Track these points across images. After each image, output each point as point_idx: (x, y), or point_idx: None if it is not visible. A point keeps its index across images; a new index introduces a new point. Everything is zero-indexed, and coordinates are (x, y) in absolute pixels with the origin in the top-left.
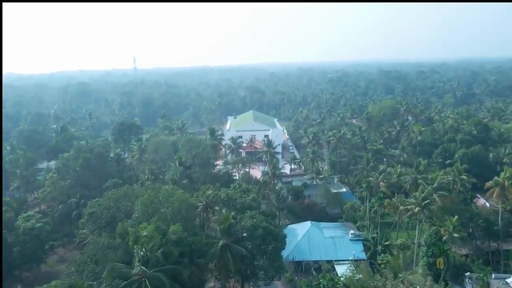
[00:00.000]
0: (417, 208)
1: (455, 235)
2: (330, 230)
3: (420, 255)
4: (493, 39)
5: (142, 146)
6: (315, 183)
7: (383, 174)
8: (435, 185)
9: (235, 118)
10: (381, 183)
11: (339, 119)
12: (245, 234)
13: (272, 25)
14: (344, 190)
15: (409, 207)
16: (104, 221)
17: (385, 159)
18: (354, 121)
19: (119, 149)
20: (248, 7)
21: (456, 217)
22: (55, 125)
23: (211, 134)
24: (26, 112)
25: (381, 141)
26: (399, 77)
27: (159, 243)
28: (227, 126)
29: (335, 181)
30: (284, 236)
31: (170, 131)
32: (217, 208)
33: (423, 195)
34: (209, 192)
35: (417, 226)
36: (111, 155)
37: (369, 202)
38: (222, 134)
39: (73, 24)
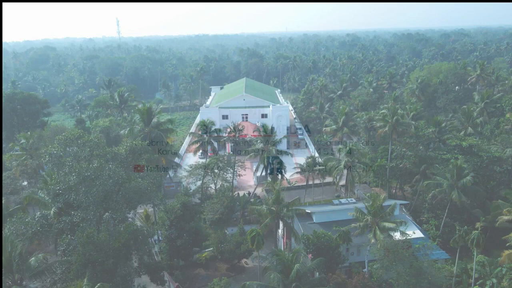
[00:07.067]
0: None
1: None
2: None
3: None
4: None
5: (31, 141)
6: (362, 228)
7: None
8: None
9: (221, 89)
10: None
11: (371, 89)
12: None
13: None
14: (421, 234)
15: None
16: None
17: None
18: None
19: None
20: None
21: None
22: None
23: (142, 117)
24: None
25: (471, 130)
26: (425, 39)
27: None
28: (209, 100)
29: (397, 212)
30: None
31: (107, 109)
32: None
33: None
34: None
35: None
36: None
37: None
38: (171, 122)
39: None
